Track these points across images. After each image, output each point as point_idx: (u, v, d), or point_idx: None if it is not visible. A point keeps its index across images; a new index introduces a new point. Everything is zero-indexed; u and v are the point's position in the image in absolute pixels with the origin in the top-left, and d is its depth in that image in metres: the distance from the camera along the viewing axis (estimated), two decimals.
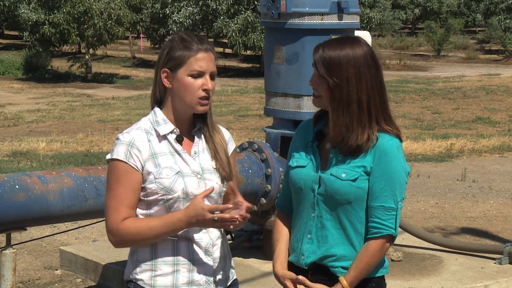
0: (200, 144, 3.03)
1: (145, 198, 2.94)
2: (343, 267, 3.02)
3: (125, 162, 2.91)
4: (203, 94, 2.94)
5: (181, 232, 2.94)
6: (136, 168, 2.91)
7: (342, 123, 2.97)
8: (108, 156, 2.97)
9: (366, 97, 2.97)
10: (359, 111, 2.97)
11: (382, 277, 3.11)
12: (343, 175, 2.98)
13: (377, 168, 2.97)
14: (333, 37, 3.13)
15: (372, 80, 2.99)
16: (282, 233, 3.16)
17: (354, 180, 2.98)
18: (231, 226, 2.87)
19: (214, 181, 2.99)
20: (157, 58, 3.02)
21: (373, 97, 2.99)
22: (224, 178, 3.02)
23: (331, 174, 3.00)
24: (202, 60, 2.93)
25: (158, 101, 3.03)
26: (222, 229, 3.07)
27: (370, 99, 2.98)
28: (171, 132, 2.99)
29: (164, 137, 2.98)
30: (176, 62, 2.93)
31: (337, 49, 2.98)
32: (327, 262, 3.03)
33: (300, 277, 3.01)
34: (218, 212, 2.86)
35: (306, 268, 3.06)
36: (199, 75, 2.94)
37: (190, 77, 2.93)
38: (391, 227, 2.99)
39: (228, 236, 6.57)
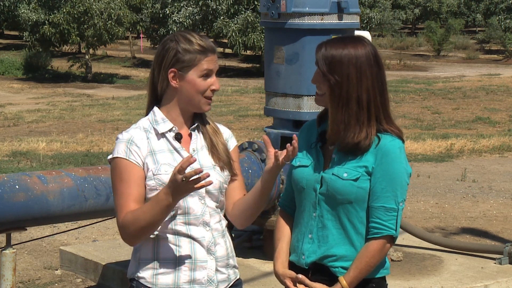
0: (198, 141, 3.05)
1: (145, 196, 2.94)
2: (343, 267, 3.02)
3: (126, 159, 2.93)
4: (210, 94, 3.00)
5: (183, 230, 2.95)
6: (137, 164, 2.93)
7: (340, 120, 2.98)
8: (109, 157, 2.99)
9: (366, 95, 2.97)
10: (358, 109, 2.97)
11: (383, 278, 3.11)
12: (345, 174, 2.99)
13: (379, 169, 2.97)
14: (333, 37, 3.12)
15: (374, 79, 2.99)
16: (283, 232, 3.16)
17: (355, 180, 2.98)
18: (207, 184, 2.75)
19: (213, 178, 2.99)
20: (157, 58, 3.02)
21: (373, 96, 2.99)
22: (222, 169, 3.03)
23: (332, 174, 3.01)
24: (211, 61, 2.99)
25: (157, 100, 3.05)
26: (226, 229, 3.08)
27: (370, 97, 2.98)
28: (170, 130, 3.01)
29: (163, 135, 3.00)
30: (186, 64, 2.96)
31: (339, 48, 2.98)
32: (327, 262, 3.03)
33: (300, 276, 3.02)
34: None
35: (307, 267, 3.06)
36: (207, 74, 2.99)
37: (200, 78, 2.98)
38: (392, 228, 2.99)
39: None
